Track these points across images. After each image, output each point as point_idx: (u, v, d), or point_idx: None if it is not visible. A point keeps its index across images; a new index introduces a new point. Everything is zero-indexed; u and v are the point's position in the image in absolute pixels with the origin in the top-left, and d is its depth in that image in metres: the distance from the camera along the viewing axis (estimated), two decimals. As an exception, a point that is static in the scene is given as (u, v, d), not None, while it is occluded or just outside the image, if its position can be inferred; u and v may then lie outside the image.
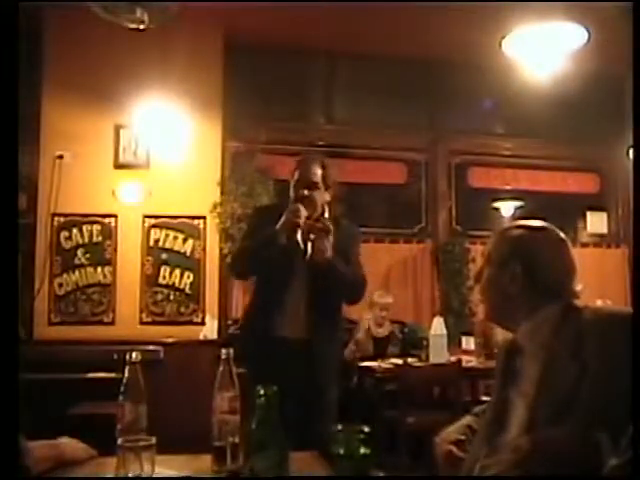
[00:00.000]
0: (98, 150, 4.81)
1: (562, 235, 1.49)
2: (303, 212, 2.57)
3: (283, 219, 2.57)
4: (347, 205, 5.74)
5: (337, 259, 2.63)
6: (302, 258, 2.65)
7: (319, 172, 2.68)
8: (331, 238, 2.56)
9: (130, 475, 1.20)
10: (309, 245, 2.65)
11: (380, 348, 4.69)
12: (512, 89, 5.02)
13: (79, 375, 4.02)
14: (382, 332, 4.78)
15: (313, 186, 2.66)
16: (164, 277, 4.81)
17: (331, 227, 2.56)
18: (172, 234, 4.85)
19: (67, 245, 4.73)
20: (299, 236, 2.64)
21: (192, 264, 4.85)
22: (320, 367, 2.67)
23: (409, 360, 4.26)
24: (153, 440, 1.24)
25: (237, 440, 1.46)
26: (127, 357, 1.48)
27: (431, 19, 4.79)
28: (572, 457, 1.19)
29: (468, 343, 4.86)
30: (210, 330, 4.70)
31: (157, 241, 4.83)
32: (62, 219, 4.72)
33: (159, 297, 4.80)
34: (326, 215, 2.74)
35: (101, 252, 4.76)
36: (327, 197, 2.72)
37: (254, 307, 2.79)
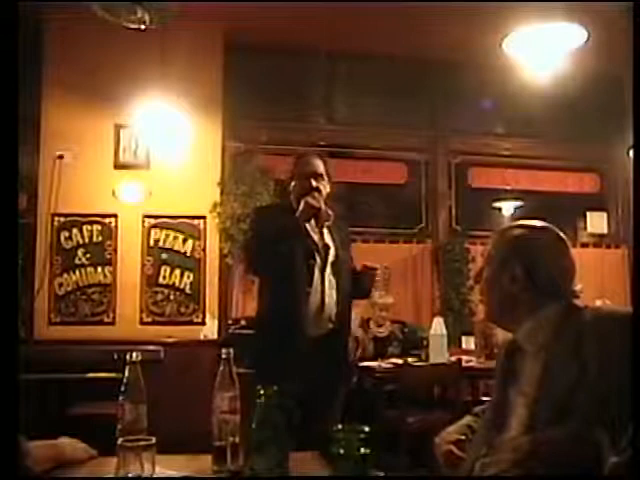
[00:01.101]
0: (98, 150, 4.80)
1: (562, 235, 1.49)
2: (319, 196, 2.64)
3: (302, 206, 2.60)
4: (347, 205, 5.79)
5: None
6: (320, 255, 2.69)
7: (321, 164, 2.74)
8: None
9: (130, 475, 1.20)
10: (327, 238, 2.72)
11: (380, 348, 4.69)
12: (512, 89, 5.03)
13: (79, 375, 4.02)
14: (382, 332, 4.78)
15: (318, 177, 2.71)
16: (164, 277, 4.81)
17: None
18: (172, 234, 4.85)
19: (67, 245, 4.73)
20: (312, 232, 2.70)
21: (192, 264, 4.85)
22: (335, 365, 2.69)
23: (409, 360, 4.26)
24: (153, 440, 1.24)
25: (237, 440, 1.46)
26: (127, 357, 1.48)
27: (431, 19, 4.79)
28: (572, 457, 1.20)
29: (468, 343, 4.86)
30: (210, 330, 4.70)
31: (157, 241, 4.83)
32: (62, 219, 4.72)
33: (159, 297, 4.80)
34: (330, 213, 2.76)
35: (101, 252, 4.75)
36: (328, 189, 2.78)
37: (273, 304, 2.72)
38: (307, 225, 2.67)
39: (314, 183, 2.68)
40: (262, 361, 2.61)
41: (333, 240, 2.75)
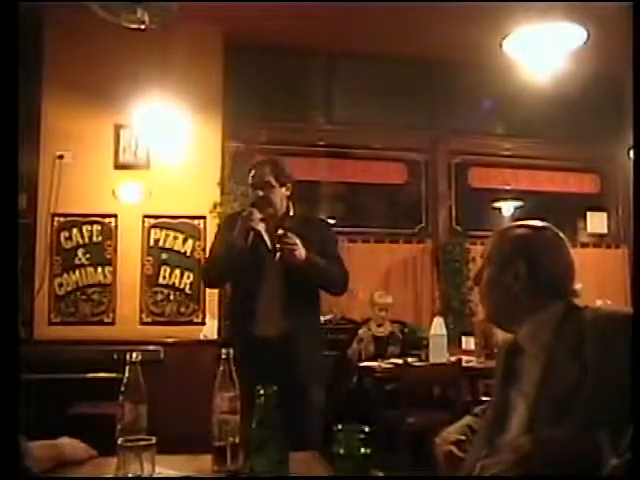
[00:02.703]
0: (98, 150, 4.80)
1: (561, 235, 1.49)
2: (257, 215, 2.71)
3: (238, 225, 2.71)
4: (347, 205, 5.79)
5: (313, 255, 2.70)
6: (272, 258, 2.74)
7: (269, 172, 2.80)
8: (299, 246, 2.65)
9: (130, 475, 1.20)
10: (278, 245, 2.75)
11: (380, 348, 4.69)
12: (512, 89, 5.02)
13: (79, 375, 4.02)
14: (382, 332, 4.78)
15: (266, 185, 2.78)
16: (164, 277, 4.80)
17: (295, 240, 2.65)
18: (172, 234, 4.84)
19: (67, 245, 4.73)
20: (266, 236, 2.77)
21: (192, 264, 4.84)
22: (299, 364, 2.70)
23: (409, 360, 4.26)
24: (153, 440, 1.25)
25: (237, 440, 1.46)
26: (127, 357, 1.48)
27: (431, 19, 4.79)
28: (572, 457, 1.19)
29: (468, 343, 4.86)
30: (210, 330, 4.70)
31: (157, 241, 4.83)
32: (62, 219, 4.72)
33: (159, 297, 4.79)
34: (291, 213, 2.85)
35: (101, 252, 4.75)
36: (285, 192, 2.83)
37: (231, 309, 2.94)
38: (261, 229, 2.76)
39: (260, 193, 2.77)
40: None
41: (284, 242, 2.75)
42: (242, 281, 2.80)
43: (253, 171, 2.83)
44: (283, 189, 2.82)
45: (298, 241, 2.64)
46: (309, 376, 2.74)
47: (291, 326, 2.72)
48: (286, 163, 2.94)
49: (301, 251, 2.64)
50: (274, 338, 2.69)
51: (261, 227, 2.76)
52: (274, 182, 2.78)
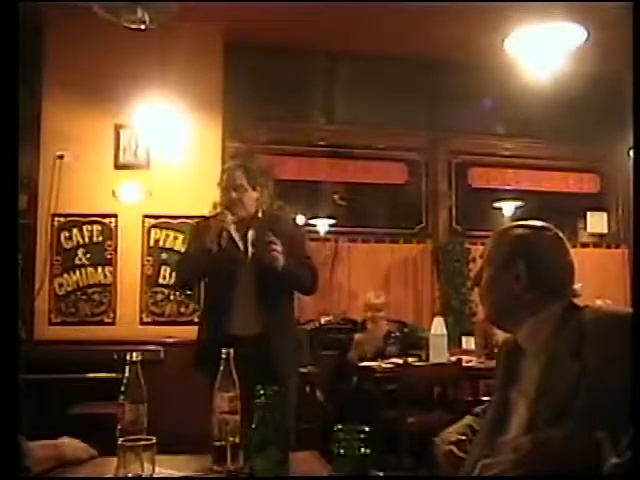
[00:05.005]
0: (98, 150, 4.80)
1: (561, 234, 1.49)
2: (229, 217, 2.79)
3: (212, 227, 2.79)
4: (348, 205, 5.79)
5: (287, 263, 2.75)
6: (244, 259, 2.82)
7: (241, 175, 2.87)
8: (280, 253, 2.70)
9: (130, 475, 1.20)
10: (249, 246, 2.83)
11: (379, 348, 4.67)
12: (512, 89, 5.02)
13: (79, 375, 4.02)
14: (379, 332, 4.75)
15: (238, 188, 2.85)
16: (164, 277, 4.80)
17: (280, 247, 2.70)
18: (172, 234, 4.84)
19: (67, 245, 4.73)
20: (237, 238, 2.84)
21: (192, 264, 4.83)
22: (273, 363, 2.72)
23: (409, 360, 4.26)
24: (153, 440, 1.25)
25: (237, 440, 1.46)
26: (127, 357, 1.48)
27: (431, 19, 4.79)
28: (572, 457, 1.19)
29: (468, 343, 4.86)
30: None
31: (157, 241, 4.83)
32: (62, 219, 4.72)
33: (159, 297, 4.79)
34: (259, 215, 2.91)
35: (101, 252, 4.75)
36: (255, 195, 2.90)
37: (206, 310, 3.01)
38: (232, 230, 2.83)
39: (233, 194, 2.83)
40: (197, 362, 2.82)
41: (257, 242, 2.82)
42: (215, 282, 2.90)
43: (225, 174, 2.91)
44: (254, 193, 2.88)
45: (280, 249, 2.69)
46: (282, 373, 2.74)
47: (264, 325, 2.77)
48: (259, 166, 3.02)
49: (281, 259, 2.70)
50: (248, 337, 2.72)
51: (232, 229, 2.84)
52: (246, 185, 2.86)
